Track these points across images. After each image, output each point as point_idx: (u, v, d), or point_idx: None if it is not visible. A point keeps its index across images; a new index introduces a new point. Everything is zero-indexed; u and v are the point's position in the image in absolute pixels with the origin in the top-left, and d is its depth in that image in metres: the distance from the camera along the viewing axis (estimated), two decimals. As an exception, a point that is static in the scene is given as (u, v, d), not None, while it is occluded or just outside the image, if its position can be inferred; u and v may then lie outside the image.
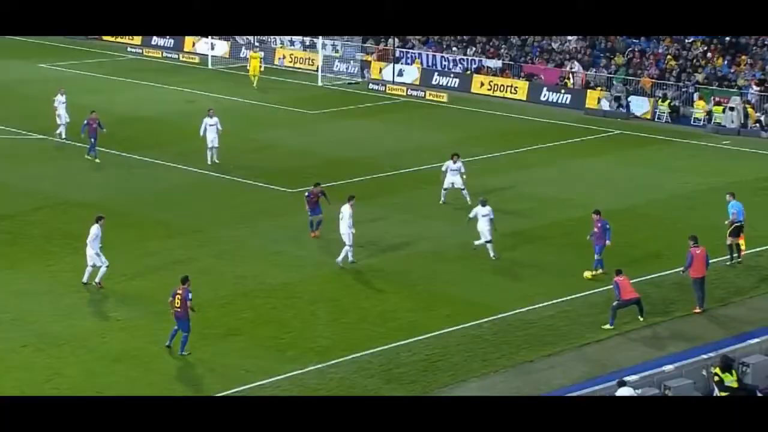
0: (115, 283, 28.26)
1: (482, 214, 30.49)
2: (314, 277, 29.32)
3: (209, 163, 40.30)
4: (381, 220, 34.30)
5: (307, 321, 26.50)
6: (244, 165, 40.84)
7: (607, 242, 29.18)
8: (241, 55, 63.80)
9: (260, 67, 58.31)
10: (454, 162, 35.76)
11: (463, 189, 35.56)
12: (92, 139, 40.32)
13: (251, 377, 23.08)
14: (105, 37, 69.81)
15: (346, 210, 29.80)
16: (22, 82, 56.21)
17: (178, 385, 22.87)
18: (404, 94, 56.32)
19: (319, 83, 58.63)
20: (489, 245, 30.45)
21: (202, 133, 40.62)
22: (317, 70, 59.45)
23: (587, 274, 28.99)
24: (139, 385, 22.66)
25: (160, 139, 44.87)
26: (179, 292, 24.04)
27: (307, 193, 32.57)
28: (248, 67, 58.39)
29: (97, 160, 40.56)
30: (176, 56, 65.74)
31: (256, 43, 64.33)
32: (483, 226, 30.42)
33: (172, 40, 67.67)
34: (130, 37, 68.06)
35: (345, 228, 29.72)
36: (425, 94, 55.80)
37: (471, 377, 23.24)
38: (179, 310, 24.01)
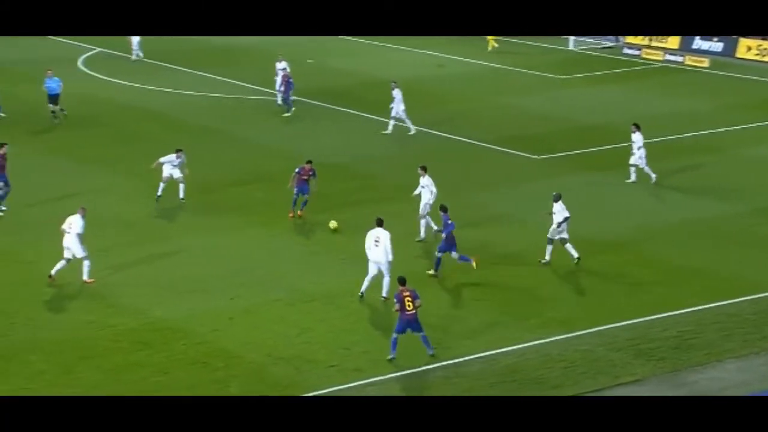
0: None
1: None
2: (558, 245, 28.69)
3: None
4: (628, 191, 33.22)
5: (551, 290, 26.02)
6: (486, 130, 40.59)
7: None
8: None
9: None
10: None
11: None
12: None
13: (495, 343, 22.89)
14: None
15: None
16: (282, 45, 58.05)
17: (418, 344, 22.89)
18: (661, 59, 54.28)
19: (570, 47, 57.41)
20: None
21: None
22: (568, 34, 58.37)
23: None
24: (384, 343, 22.87)
25: (409, 103, 45.25)
26: (406, 294, 21.92)
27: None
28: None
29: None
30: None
31: None
32: None
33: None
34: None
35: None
36: (684, 59, 53.47)
37: (728, 357, 22.14)
38: (412, 311, 21.96)
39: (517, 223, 30.73)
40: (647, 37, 56.56)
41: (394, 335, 22.11)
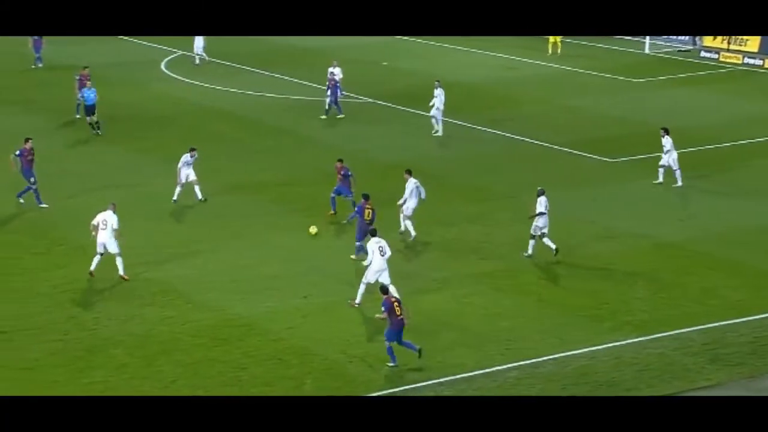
0: (438, 245, 28.95)
1: None
2: (631, 249, 28.66)
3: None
4: (697, 194, 32.96)
5: (624, 293, 25.98)
6: (558, 132, 40.52)
7: None
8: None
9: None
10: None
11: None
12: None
13: (567, 345, 22.94)
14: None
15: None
16: (356, 48, 58.45)
17: (489, 345, 23.05)
18: (740, 62, 53.55)
19: (647, 50, 56.96)
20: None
21: None
22: (645, 37, 57.78)
23: None
24: (454, 343, 23.07)
25: (479, 105, 45.39)
26: (393, 300, 21.91)
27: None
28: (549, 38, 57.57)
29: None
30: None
31: None
32: None
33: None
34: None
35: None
36: (764, 62, 52.70)
37: (807, 365, 21.96)
38: (401, 317, 21.91)
39: (588, 225, 30.67)
40: (725, 40, 55.83)
41: (389, 344, 21.90)
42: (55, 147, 37.67)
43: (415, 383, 21.33)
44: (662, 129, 34.47)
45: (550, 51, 56.21)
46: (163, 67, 52.58)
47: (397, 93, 46.85)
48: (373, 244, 24.87)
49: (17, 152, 31.52)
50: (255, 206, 32.28)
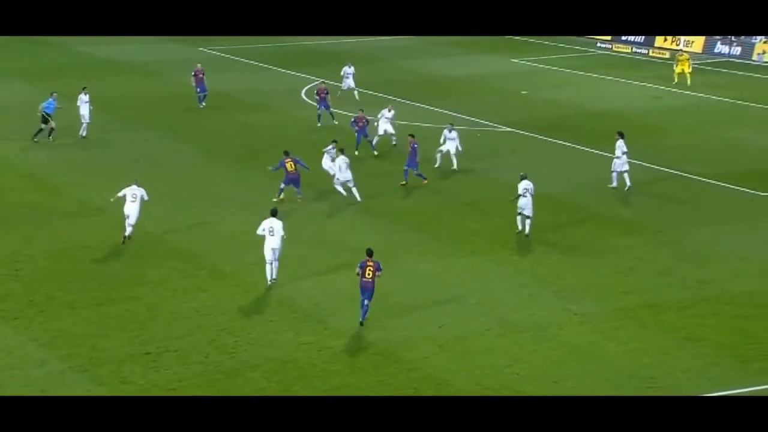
0: (578, 278, 28.44)
1: None
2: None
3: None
4: None
5: (774, 333, 24.89)
6: (708, 164, 39.31)
7: None
8: (715, 51, 62.04)
9: (689, 67, 55.22)
10: None
11: None
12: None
13: (712, 385, 22.06)
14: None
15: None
16: (495, 76, 58.36)
17: (631, 382, 22.40)
18: None
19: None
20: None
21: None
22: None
23: None
24: (595, 379, 22.54)
25: (627, 136, 44.40)
26: (369, 264, 25.11)
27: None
28: (675, 67, 55.90)
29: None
30: (645, 51, 65.04)
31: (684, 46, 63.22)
32: None
33: (643, 36, 67.09)
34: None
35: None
36: None
37: None
38: (369, 280, 25.10)
39: (738, 262, 29.55)
40: None
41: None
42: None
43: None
44: (618, 132, 35.88)
45: (676, 80, 54.75)
46: (302, 95, 53.31)
47: (539, 122, 46.31)
48: (266, 224, 27.47)
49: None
50: (394, 233, 32.27)
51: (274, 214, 28.06)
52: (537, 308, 26.52)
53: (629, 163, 36.25)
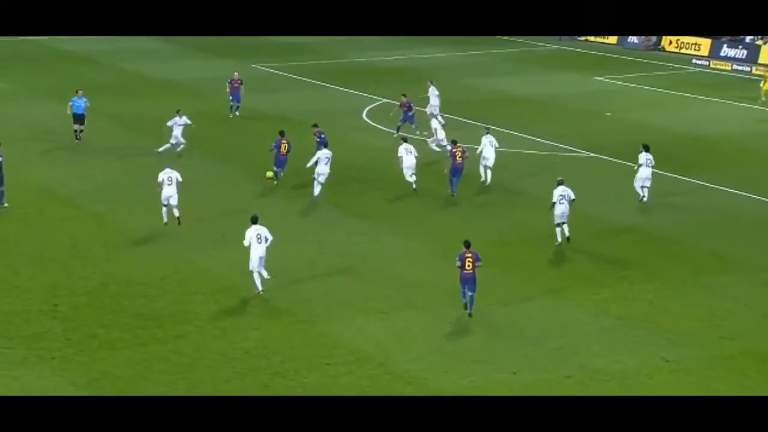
0: (669, 321, 25.74)
1: None
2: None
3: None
4: None
5: None
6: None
7: None
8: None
9: None
10: None
11: None
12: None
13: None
14: (668, 48, 68.27)
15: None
16: (575, 96, 55.52)
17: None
18: None
19: None
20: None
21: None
22: None
23: None
24: None
25: (722, 161, 41.41)
26: (468, 255, 25.17)
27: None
28: (762, 84, 52.76)
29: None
30: (748, 69, 61.46)
31: None
32: None
33: (745, 51, 63.48)
34: (696, 48, 65.68)
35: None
36: None
37: None
38: (470, 271, 25.14)
39: None
40: None
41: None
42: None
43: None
44: (642, 145, 34.99)
45: (762, 98, 51.40)
46: (364, 115, 50.74)
47: (628, 146, 43.27)
48: (252, 232, 26.56)
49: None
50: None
51: (255, 221, 27.05)
52: (623, 354, 23.96)
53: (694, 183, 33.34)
